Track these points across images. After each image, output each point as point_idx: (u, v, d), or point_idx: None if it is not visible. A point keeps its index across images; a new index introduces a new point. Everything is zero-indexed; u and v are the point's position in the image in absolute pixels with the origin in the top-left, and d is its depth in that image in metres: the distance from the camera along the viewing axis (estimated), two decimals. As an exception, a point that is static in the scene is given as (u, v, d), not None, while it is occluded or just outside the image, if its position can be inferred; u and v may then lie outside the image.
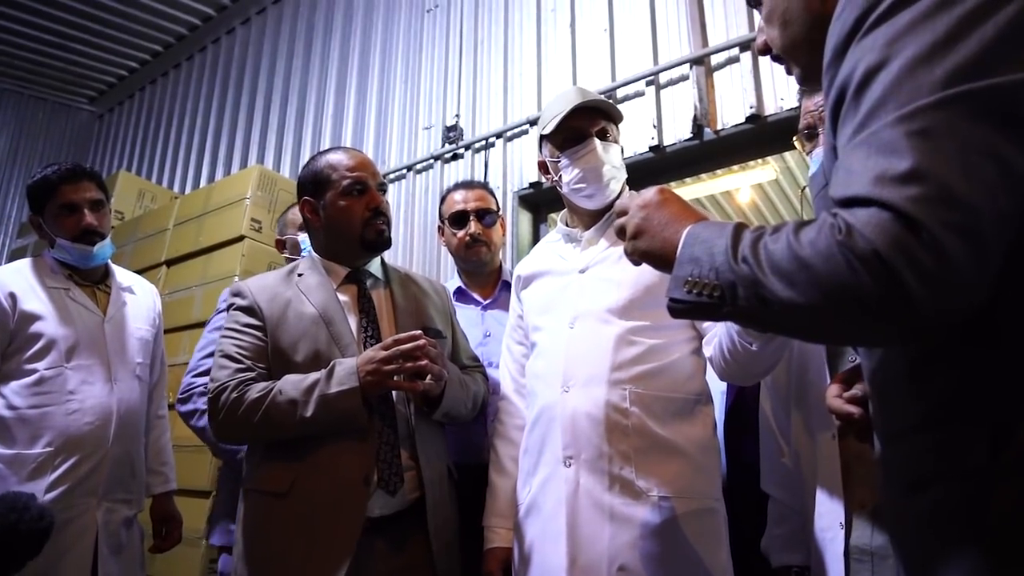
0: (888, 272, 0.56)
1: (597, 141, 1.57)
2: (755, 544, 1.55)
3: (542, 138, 1.67)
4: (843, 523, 1.27)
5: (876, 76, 0.64)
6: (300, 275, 1.68)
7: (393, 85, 3.83)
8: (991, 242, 0.56)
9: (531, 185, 3.02)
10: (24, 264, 2.03)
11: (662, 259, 0.87)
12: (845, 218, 0.60)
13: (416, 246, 3.38)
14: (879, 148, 0.60)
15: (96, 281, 2.08)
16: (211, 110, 5.08)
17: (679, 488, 1.37)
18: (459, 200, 2.11)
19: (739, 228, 0.74)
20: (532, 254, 1.80)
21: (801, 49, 0.96)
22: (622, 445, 1.38)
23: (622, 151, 1.67)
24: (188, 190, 4.87)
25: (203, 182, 4.84)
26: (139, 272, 3.30)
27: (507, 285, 2.14)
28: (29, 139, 6.26)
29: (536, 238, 3.08)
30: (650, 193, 0.93)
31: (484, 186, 2.18)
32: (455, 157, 3.36)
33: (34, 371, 1.87)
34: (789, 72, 1.04)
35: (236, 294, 1.64)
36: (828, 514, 1.31)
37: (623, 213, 0.97)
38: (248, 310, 1.60)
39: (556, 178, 1.63)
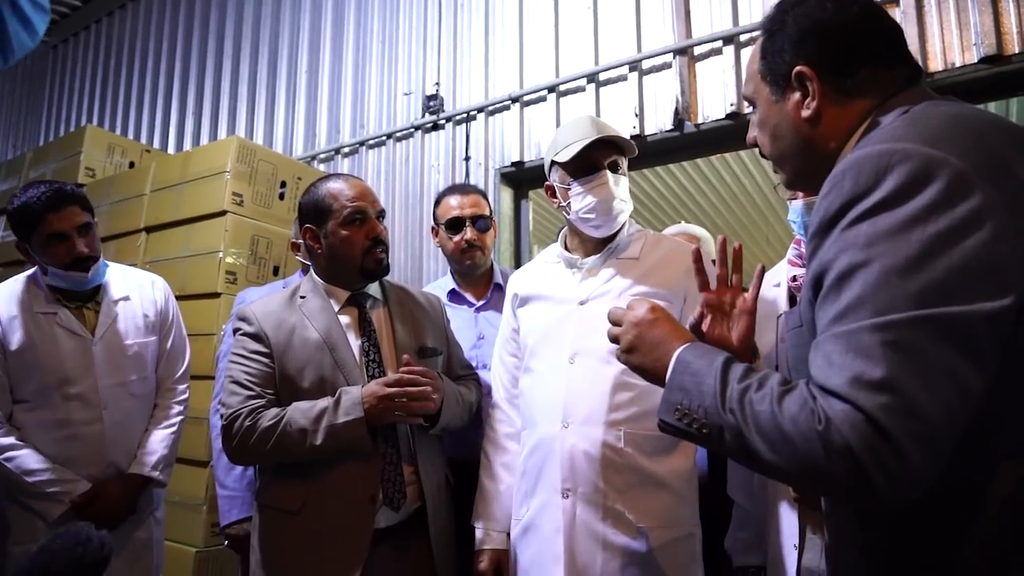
0: (858, 466, 0.68)
1: (609, 174, 1.62)
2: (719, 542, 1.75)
3: (553, 163, 1.70)
4: (796, 545, 1.45)
5: (856, 274, 0.74)
6: (303, 297, 1.75)
7: (370, 43, 3.74)
8: (944, 448, 0.69)
9: (513, 164, 3.05)
10: (14, 287, 1.97)
11: (653, 377, 0.98)
12: (824, 409, 0.71)
13: (398, 216, 3.41)
14: (856, 349, 0.71)
15: (86, 299, 2.01)
16: (176, 53, 4.88)
17: (664, 519, 1.53)
18: (455, 206, 2.15)
19: (726, 368, 0.85)
20: (529, 272, 1.84)
21: (787, 163, 1.05)
22: (616, 481, 1.52)
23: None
24: (157, 141, 4.74)
25: (172, 132, 4.71)
26: (118, 237, 3.33)
27: (499, 287, 2.22)
28: (-21, 73, 5.97)
29: (517, 215, 3.15)
30: (642, 311, 1.03)
31: (478, 190, 2.22)
32: (436, 128, 3.36)
33: (26, 401, 1.88)
34: (776, 172, 1.13)
35: (243, 319, 1.72)
36: (786, 529, 1.49)
37: (617, 323, 1.06)
38: (255, 337, 1.68)
39: (564, 204, 1.68)
